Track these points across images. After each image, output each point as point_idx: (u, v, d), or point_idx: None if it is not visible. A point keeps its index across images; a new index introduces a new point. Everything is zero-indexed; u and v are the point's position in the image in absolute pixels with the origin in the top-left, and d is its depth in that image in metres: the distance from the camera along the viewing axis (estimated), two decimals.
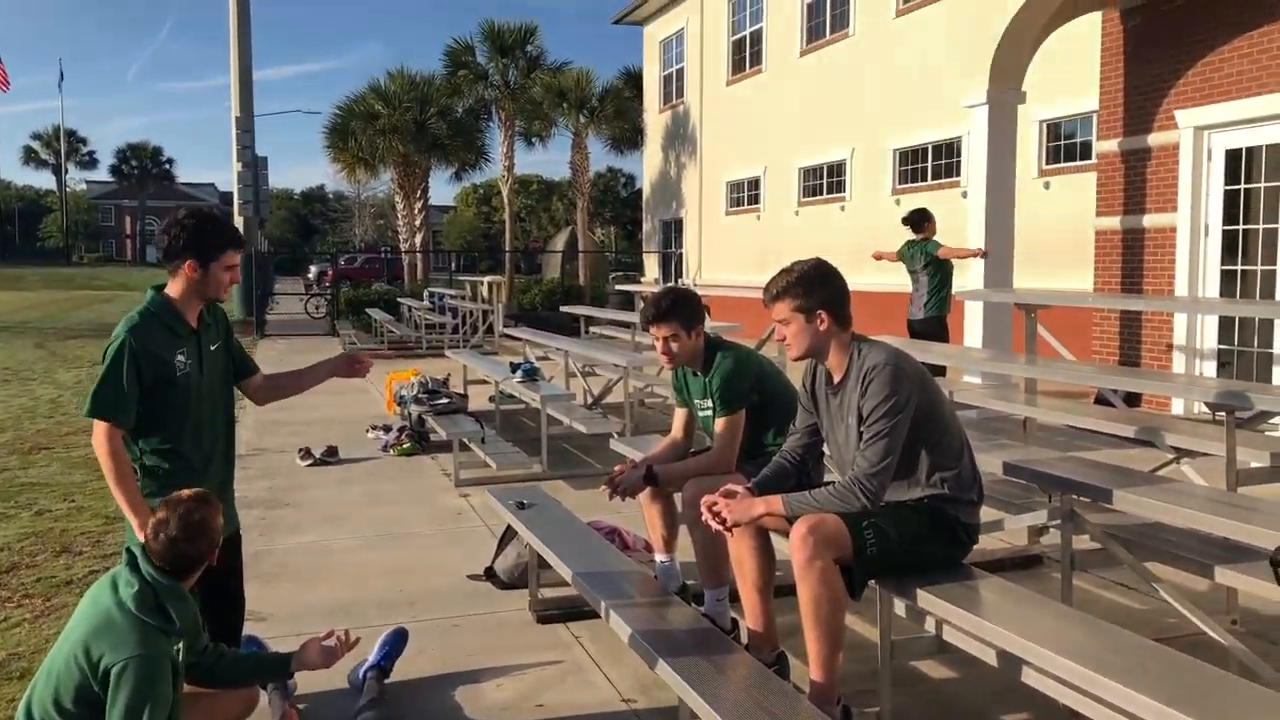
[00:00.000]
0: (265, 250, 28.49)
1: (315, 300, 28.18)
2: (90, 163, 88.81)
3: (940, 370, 8.75)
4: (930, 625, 3.36)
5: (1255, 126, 9.13)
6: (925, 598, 3.19)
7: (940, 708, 3.78)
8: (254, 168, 23.08)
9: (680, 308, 4.21)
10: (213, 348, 3.54)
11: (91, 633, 2.72)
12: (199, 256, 3.34)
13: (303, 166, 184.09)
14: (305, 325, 24.53)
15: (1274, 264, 8.99)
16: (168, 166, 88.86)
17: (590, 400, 10.30)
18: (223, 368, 3.61)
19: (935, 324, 9.62)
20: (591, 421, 7.89)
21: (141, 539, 3.19)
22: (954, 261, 9.78)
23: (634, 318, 12.86)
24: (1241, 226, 9.36)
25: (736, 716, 2.76)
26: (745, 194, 22.27)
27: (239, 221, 24.97)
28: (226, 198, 49.26)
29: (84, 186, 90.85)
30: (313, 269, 43.96)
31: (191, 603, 2.84)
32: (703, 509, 3.56)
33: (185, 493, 2.95)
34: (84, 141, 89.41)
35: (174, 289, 3.39)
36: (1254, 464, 4.56)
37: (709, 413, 4.31)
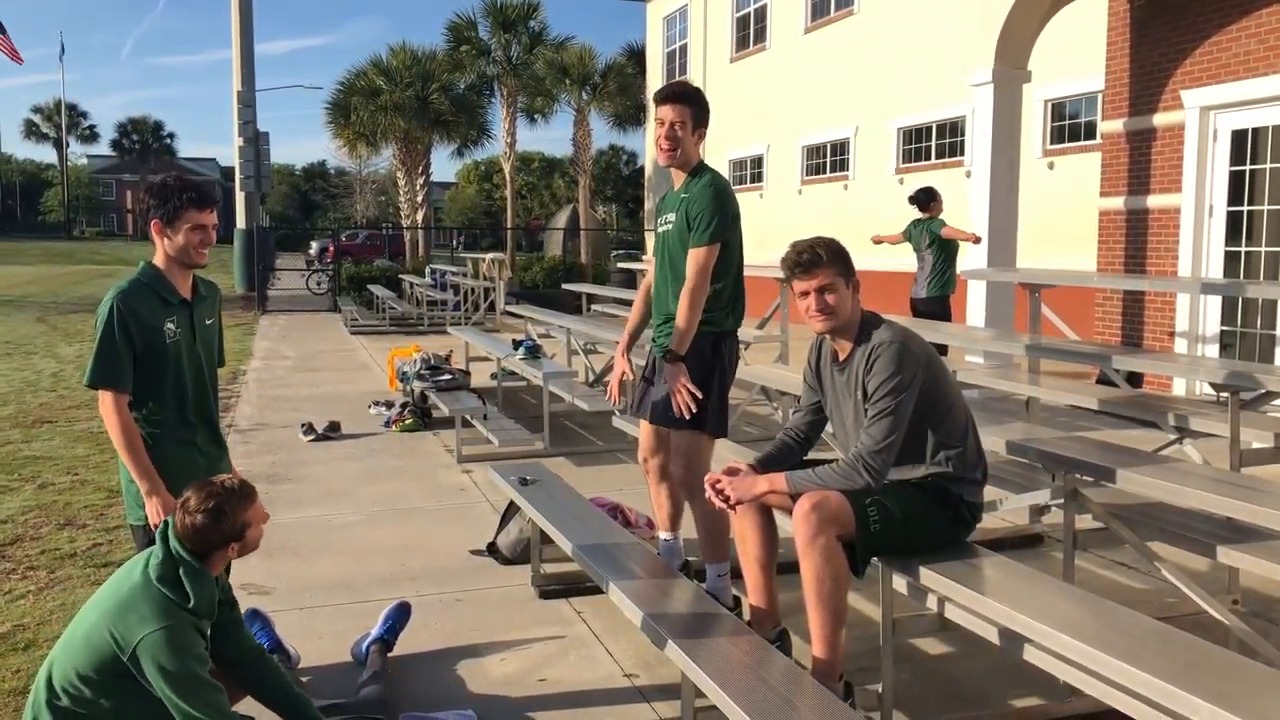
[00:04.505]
0: (266, 226, 28.43)
1: (317, 276, 28.14)
2: (91, 136, 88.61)
3: (943, 350, 8.74)
4: (932, 603, 3.37)
5: (1261, 107, 9.09)
6: (928, 575, 3.19)
7: (941, 685, 3.79)
8: (255, 143, 23.01)
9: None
10: (207, 321, 3.56)
11: (119, 605, 2.76)
12: (162, 217, 3.34)
13: (304, 142, 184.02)
14: (307, 301, 24.52)
15: (1278, 245, 8.97)
16: (169, 141, 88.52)
17: (592, 378, 10.30)
18: (215, 342, 3.63)
19: (938, 303, 9.61)
20: (593, 399, 7.88)
21: (150, 505, 3.22)
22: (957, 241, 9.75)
23: (635, 296, 12.84)
24: (1246, 207, 9.33)
25: (740, 692, 2.77)
26: (748, 172, 22.19)
27: (240, 197, 24.96)
28: (228, 173, 49.11)
29: (85, 160, 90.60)
30: (314, 245, 43.90)
31: (211, 585, 2.85)
32: (706, 486, 3.57)
33: (220, 478, 2.97)
34: (84, 115, 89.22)
35: (158, 258, 3.41)
36: (1257, 444, 4.57)
37: None
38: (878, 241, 10.36)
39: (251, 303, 22.08)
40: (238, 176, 23.91)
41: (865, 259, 11.87)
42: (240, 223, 25.73)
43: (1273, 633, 3.97)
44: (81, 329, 17.58)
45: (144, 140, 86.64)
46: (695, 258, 4.08)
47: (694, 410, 4.07)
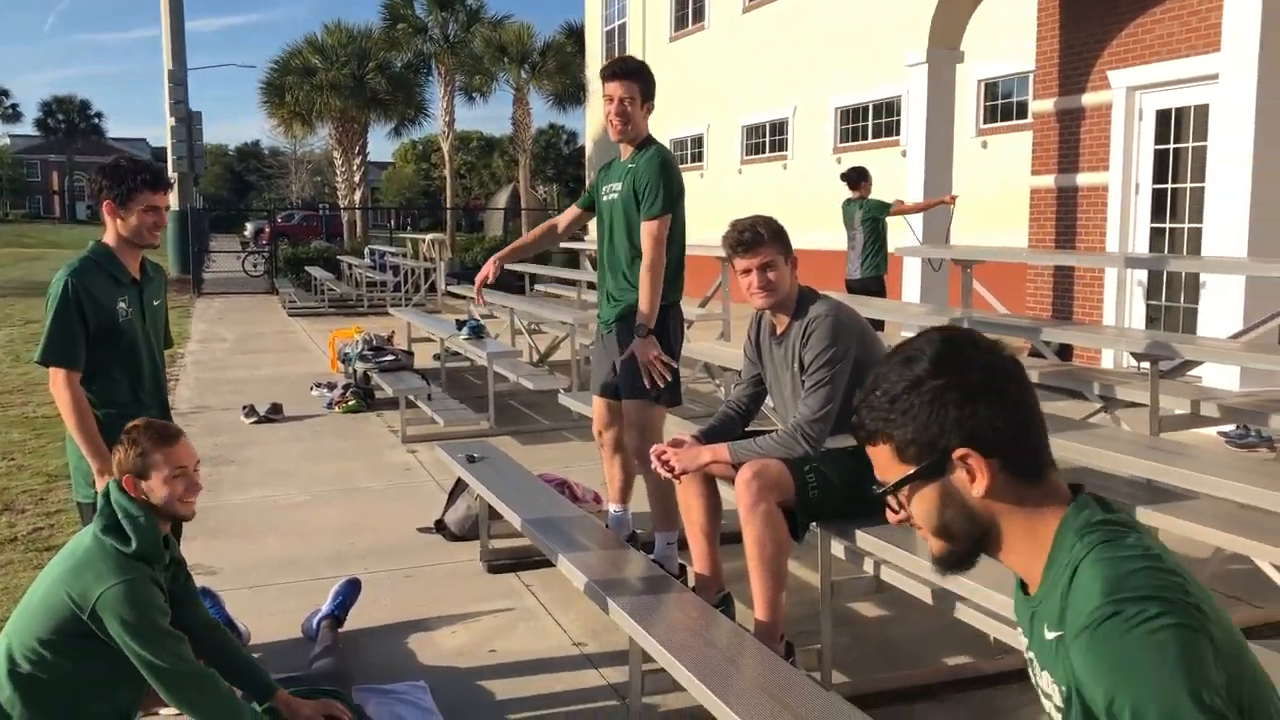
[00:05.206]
0: (200, 207, 27.98)
1: (253, 258, 27.76)
2: (13, 116, 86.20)
3: (879, 325, 8.91)
4: (869, 566, 3.50)
5: (1183, 87, 9.37)
6: (864, 539, 3.33)
7: (879, 645, 3.94)
8: (187, 123, 22.62)
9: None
10: (155, 302, 3.58)
11: (73, 567, 2.78)
12: (114, 197, 3.35)
13: (237, 122, 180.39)
14: (243, 283, 24.20)
15: (1200, 222, 9.26)
16: (96, 121, 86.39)
17: (537, 357, 10.36)
18: (162, 324, 3.65)
19: (873, 283, 9.77)
20: (538, 378, 7.94)
21: (101, 483, 3.24)
22: (889, 219, 9.90)
23: (579, 275, 12.89)
24: (1170, 185, 9.63)
25: (685, 654, 2.87)
26: (689, 151, 22.28)
27: (173, 178, 24.48)
28: (159, 153, 48.03)
29: (7, 141, 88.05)
30: (249, 226, 43.27)
31: (153, 530, 2.84)
32: (652, 457, 3.67)
33: (145, 421, 2.99)
34: (5, 93, 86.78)
35: (109, 237, 3.42)
36: (1177, 411, 4.77)
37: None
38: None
39: (187, 285, 21.73)
40: (170, 157, 23.48)
41: (803, 238, 12.06)
42: (174, 204, 25.27)
43: None
44: (10, 313, 17.19)
45: (70, 120, 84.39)
46: (649, 230, 4.16)
47: (667, 380, 4.16)
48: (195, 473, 2.95)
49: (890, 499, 1.42)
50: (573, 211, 4.72)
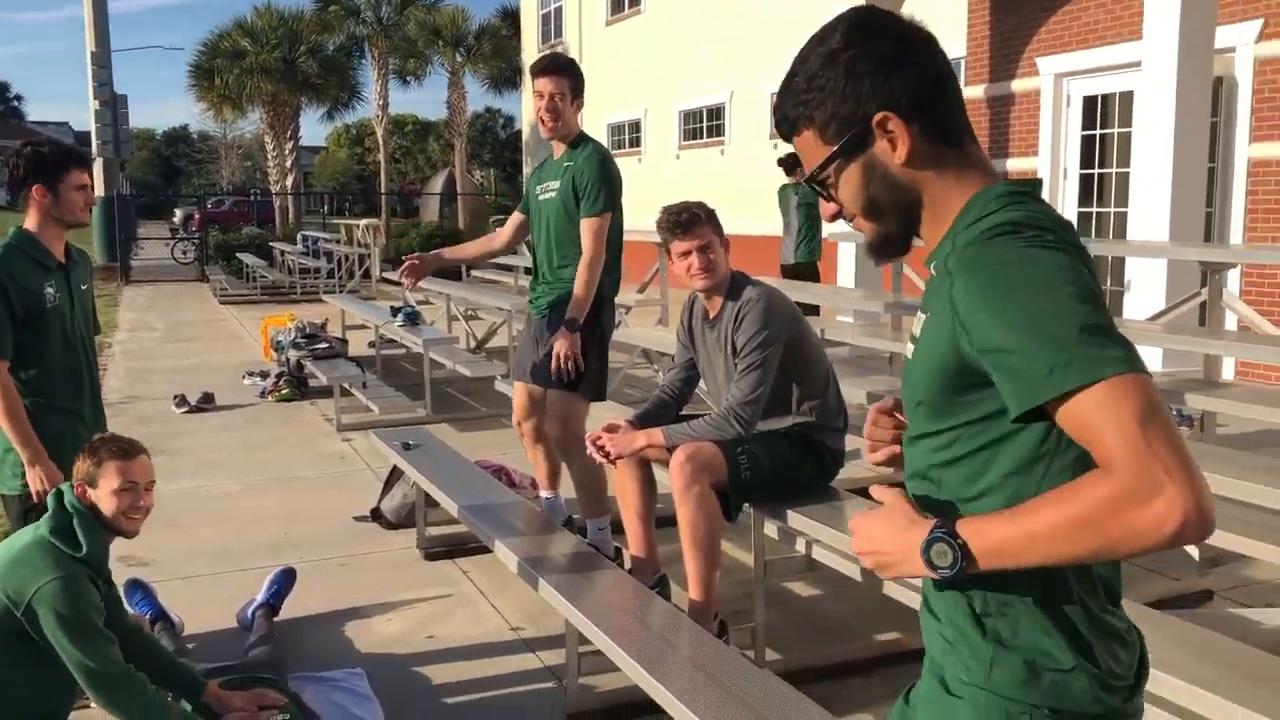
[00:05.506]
0: (127, 193, 27.32)
1: (182, 245, 27.22)
2: None
3: (815, 309, 9.03)
4: (801, 545, 3.57)
5: (1109, 74, 9.58)
6: (796, 518, 3.39)
7: (810, 622, 4.02)
8: (113, 106, 22.04)
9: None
10: (83, 287, 3.54)
11: (9, 564, 2.74)
12: (44, 180, 3.31)
13: (165, 105, 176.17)
14: (172, 271, 23.74)
15: (1125, 206, 9.50)
16: (16, 104, 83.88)
17: (473, 344, 10.32)
18: (90, 308, 3.60)
19: (806, 269, 9.88)
20: (475, 365, 7.91)
21: (32, 474, 3.19)
22: None
23: (516, 260, 12.84)
24: (1097, 170, 9.85)
25: (621, 634, 2.90)
26: (626, 137, 22.25)
27: (99, 163, 23.90)
28: (83, 137, 46.75)
29: None
30: (178, 212, 42.38)
31: (104, 538, 2.84)
32: (588, 444, 3.69)
33: (111, 435, 2.96)
34: None
35: (31, 222, 3.37)
36: None
37: None
38: None
39: (114, 273, 21.24)
40: (94, 141, 22.88)
41: (740, 222, 12.14)
42: (100, 190, 24.65)
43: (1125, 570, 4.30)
44: None
45: None
46: (590, 227, 4.19)
47: (573, 376, 4.19)
48: (146, 492, 2.92)
49: (820, 189, 1.41)
50: (516, 219, 4.67)
